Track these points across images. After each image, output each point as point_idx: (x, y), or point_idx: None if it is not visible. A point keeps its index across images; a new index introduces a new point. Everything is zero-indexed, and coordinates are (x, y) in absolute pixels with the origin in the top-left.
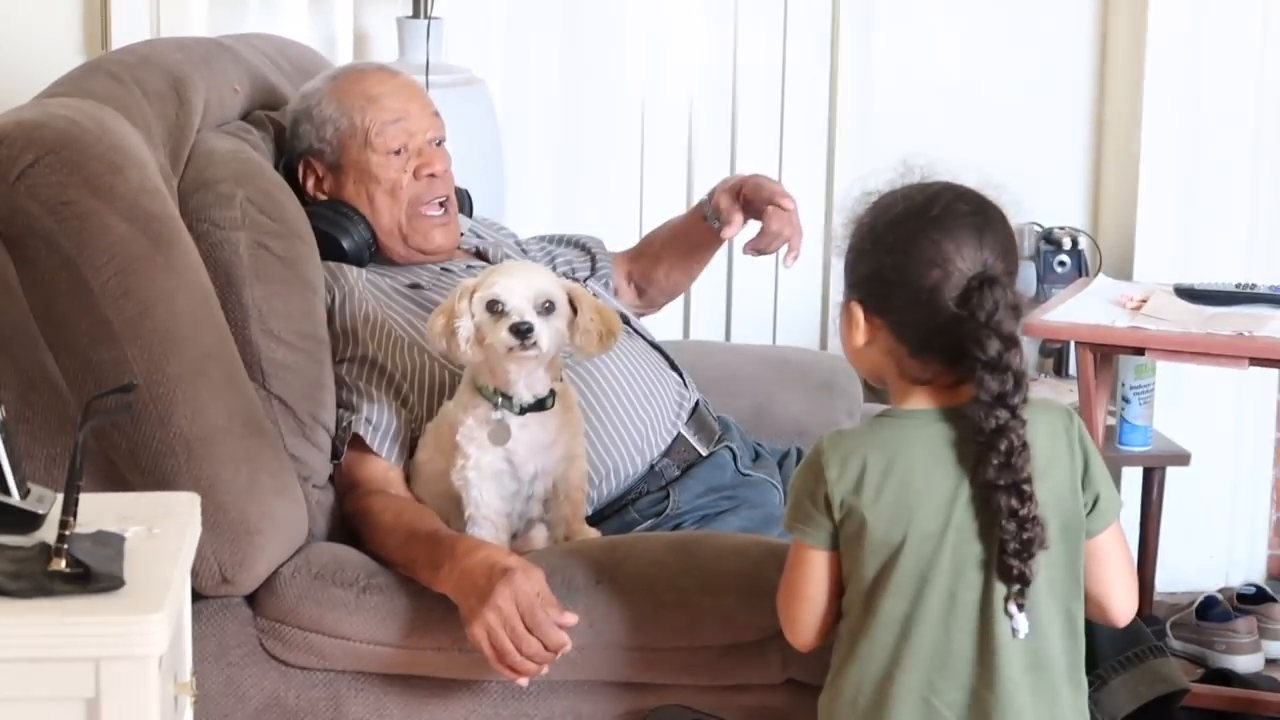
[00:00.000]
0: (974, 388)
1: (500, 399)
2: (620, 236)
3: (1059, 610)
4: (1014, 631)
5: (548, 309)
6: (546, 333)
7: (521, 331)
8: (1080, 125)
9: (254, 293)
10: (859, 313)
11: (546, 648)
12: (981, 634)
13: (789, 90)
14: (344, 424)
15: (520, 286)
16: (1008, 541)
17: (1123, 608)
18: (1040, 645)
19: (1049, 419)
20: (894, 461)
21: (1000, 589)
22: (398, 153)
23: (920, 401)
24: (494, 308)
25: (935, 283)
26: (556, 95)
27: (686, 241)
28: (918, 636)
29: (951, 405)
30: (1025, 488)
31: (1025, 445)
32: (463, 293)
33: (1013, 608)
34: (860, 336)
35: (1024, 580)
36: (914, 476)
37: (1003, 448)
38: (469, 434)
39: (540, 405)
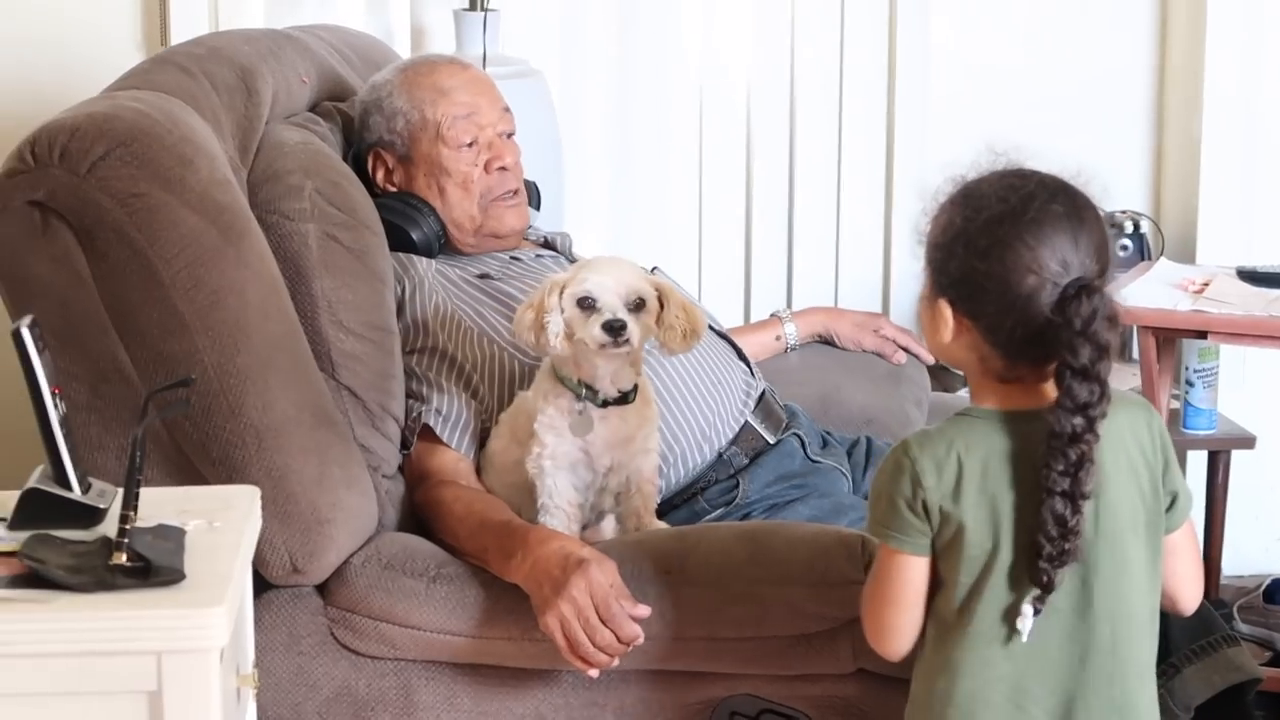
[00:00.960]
0: (1059, 393)
1: (584, 390)
2: (678, 228)
3: (1144, 609)
4: (1020, 633)
5: (638, 305)
6: (637, 330)
7: (615, 329)
8: (1141, 109)
9: (323, 284)
10: (947, 311)
11: (619, 639)
12: (1065, 637)
13: (846, 80)
14: (414, 415)
15: (612, 283)
16: (1044, 546)
17: (1191, 599)
18: (1116, 646)
19: (1132, 416)
20: (987, 466)
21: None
22: (469, 146)
23: (1003, 401)
24: (585, 304)
25: (1031, 290)
26: (613, 86)
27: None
28: (1015, 644)
29: (1035, 408)
30: (1080, 501)
31: (1093, 460)
32: (553, 287)
33: (1027, 608)
34: (947, 334)
35: (1050, 587)
36: (1005, 481)
37: (1073, 455)
38: (549, 422)
39: (623, 399)
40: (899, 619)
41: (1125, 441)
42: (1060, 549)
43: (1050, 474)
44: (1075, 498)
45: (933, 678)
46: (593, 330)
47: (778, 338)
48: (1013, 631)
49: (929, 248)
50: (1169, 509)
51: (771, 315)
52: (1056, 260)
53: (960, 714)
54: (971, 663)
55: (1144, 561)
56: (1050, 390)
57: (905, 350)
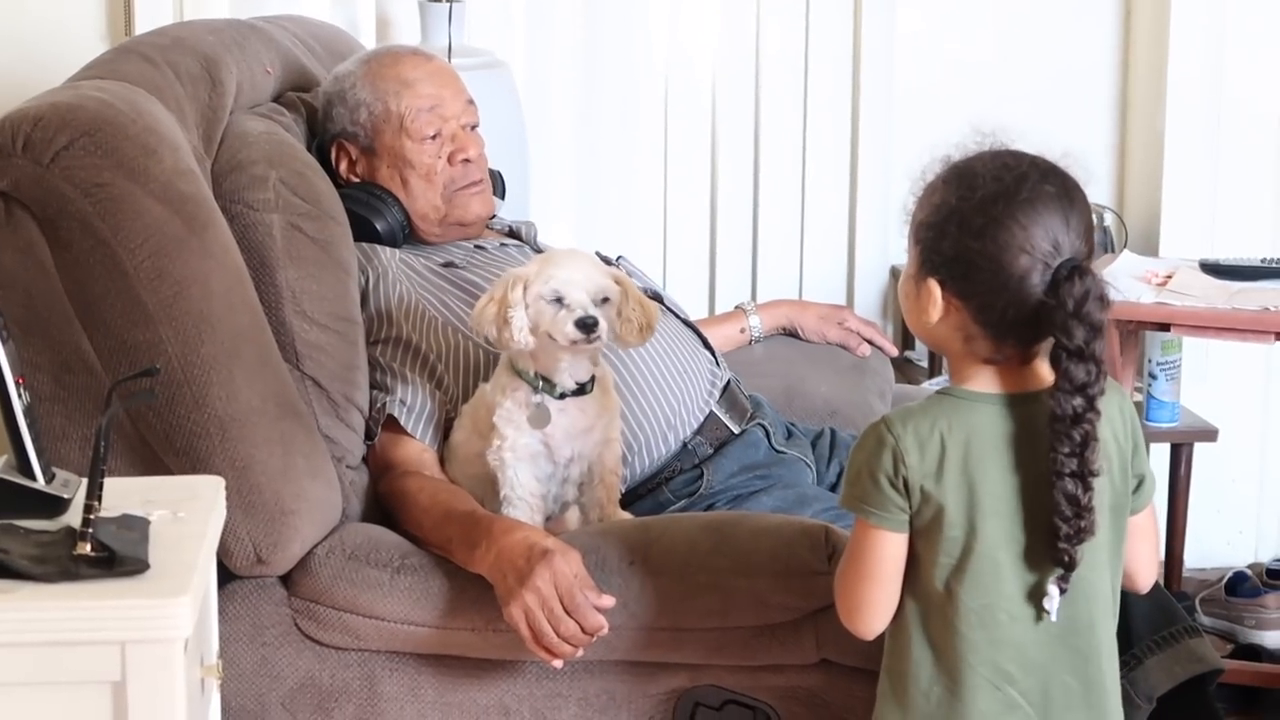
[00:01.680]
0: (1057, 375)
1: (541, 383)
2: (645, 219)
3: (1109, 588)
4: (1048, 613)
5: (604, 300)
6: (605, 325)
7: (588, 325)
8: (1105, 102)
9: (287, 274)
10: (936, 291)
11: (583, 629)
12: (1040, 620)
13: (812, 71)
14: (378, 405)
15: (581, 279)
16: (1061, 527)
17: (1148, 578)
18: (1094, 624)
19: (1105, 400)
20: (968, 447)
21: (1049, 572)
22: (432, 138)
23: (986, 383)
24: (555, 299)
25: (1023, 270)
26: (579, 77)
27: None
28: (995, 626)
29: (1018, 391)
30: (1089, 478)
31: (1097, 438)
32: (515, 282)
33: (1053, 588)
34: (935, 314)
35: (1073, 566)
36: (985, 463)
37: (1077, 436)
38: (507, 416)
39: (580, 390)
40: (875, 594)
41: (1103, 429)
42: (1077, 527)
43: (1057, 456)
44: (1084, 476)
45: (910, 655)
46: (564, 327)
47: (742, 330)
48: (1035, 613)
49: (918, 226)
50: (1135, 490)
51: (736, 308)
52: (1049, 241)
53: (940, 692)
54: (952, 643)
55: (1110, 543)
56: (1033, 373)
57: (869, 342)
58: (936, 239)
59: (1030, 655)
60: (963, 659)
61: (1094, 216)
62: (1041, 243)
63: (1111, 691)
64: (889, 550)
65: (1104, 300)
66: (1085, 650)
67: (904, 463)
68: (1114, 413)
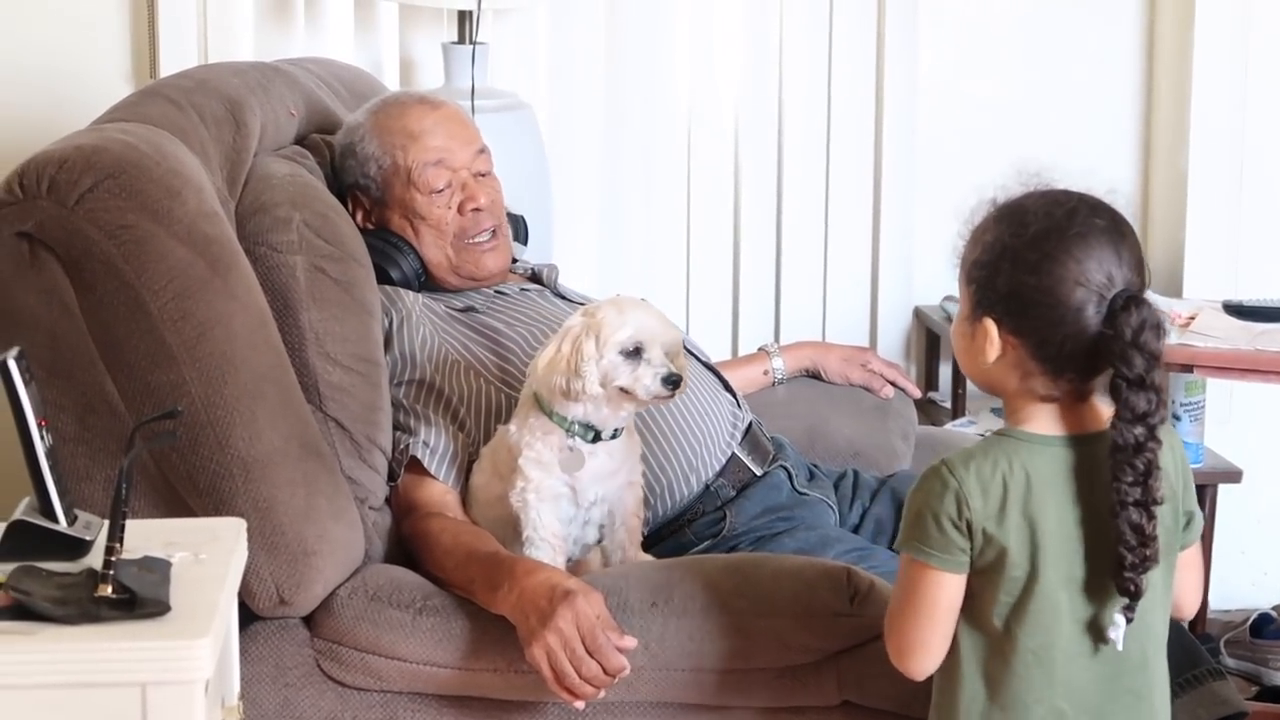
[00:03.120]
0: (1118, 405)
1: (578, 428)
2: (668, 260)
3: (1161, 625)
4: (1113, 641)
5: (671, 355)
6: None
7: (675, 382)
8: (1128, 142)
9: (311, 316)
10: (993, 329)
11: (605, 671)
12: (1097, 654)
13: (834, 111)
14: (401, 447)
15: (660, 331)
16: (1127, 556)
17: (1193, 606)
18: (1147, 662)
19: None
20: (1030, 486)
21: (1105, 607)
22: (441, 191)
23: (1045, 423)
24: (632, 352)
25: (1080, 303)
26: (602, 119)
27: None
28: (1053, 667)
29: (1078, 432)
30: (1153, 506)
31: (1159, 466)
32: (586, 331)
33: (1119, 618)
34: (992, 353)
35: (1139, 594)
36: (1046, 503)
37: (1140, 465)
38: (536, 458)
39: (612, 434)
40: (932, 635)
41: (1165, 464)
42: (1142, 555)
43: (1121, 486)
44: (1148, 504)
45: (963, 693)
46: (647, 382)
47: (765, 372)
48: (1093, 645)
49: (970, 266)
50: (1185, 527)
51: (760, 349)
52: (1103, 273)
53: None
54: (1008, 682)
55: (1162, 580)
56: (1090, 411)
57: (893, 384)
58: (990, 277)
59: (1085, 693)
60: (1018, 699)
61: None
62: (1095, 275)
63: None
64: (948, 592)
65: (1160, 329)
66: (1138, 689)
67: (968, 505)
68: (1166, 450)
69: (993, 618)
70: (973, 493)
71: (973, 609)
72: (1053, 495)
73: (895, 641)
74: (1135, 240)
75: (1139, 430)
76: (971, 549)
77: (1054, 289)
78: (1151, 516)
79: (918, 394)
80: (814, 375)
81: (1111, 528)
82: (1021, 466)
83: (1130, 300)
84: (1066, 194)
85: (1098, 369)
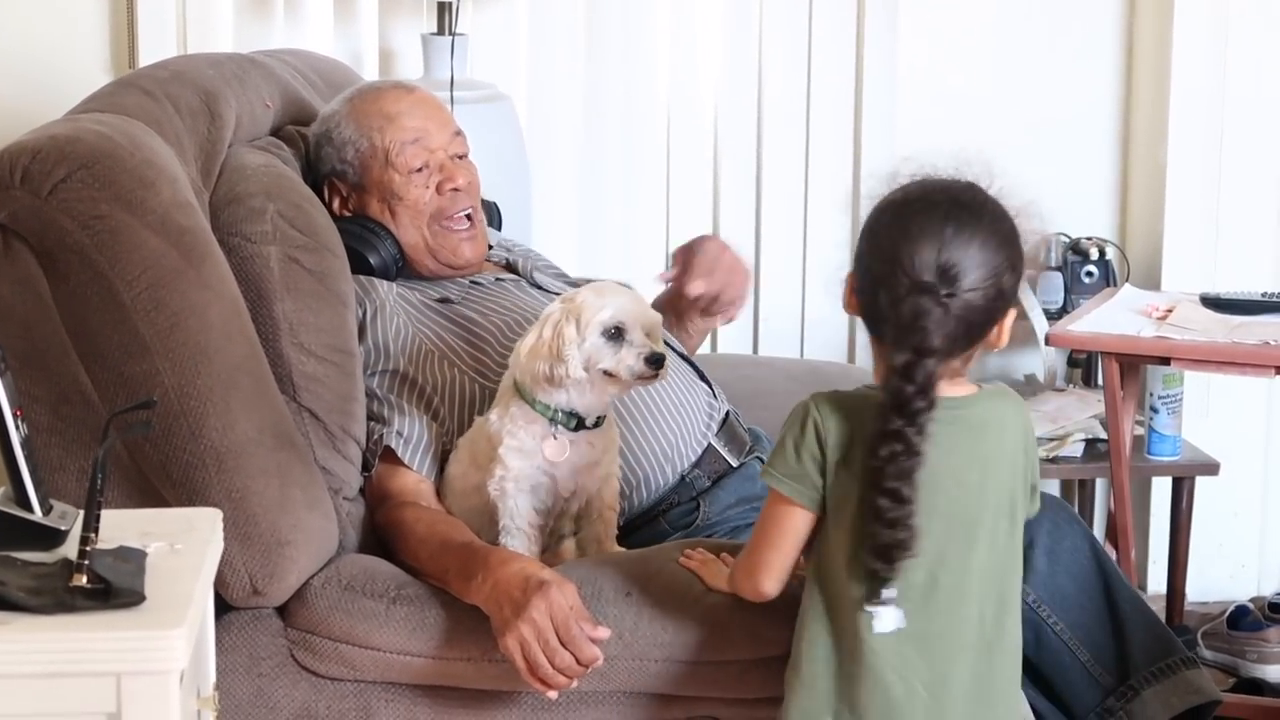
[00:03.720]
0: (882, 388)
1: (560, 415)
2: (647, 251)
3: (1014, 586)
4: (873, 626)
5: (651, 336)
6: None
7: (658, 361)
8: (1107, 136)
9: (285, 306)
10: (849, 283)
11: (579, 661)
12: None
13: (814, 101)
14: (375, 437)
15: (639, 312)
16: (866, 538)
17: None
18: (1004, 619)
19: (1015, 408)
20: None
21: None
22: (419, 170)
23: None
24: (613, 334)
25: (880, 276)
26: (581, 110)
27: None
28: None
29: None
30: (904, 491)
31: (916, 455)
32: (566, 316)
33: (871, 606)
34: (846, 305)
35: (881, 580)
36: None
37: (884, 453)
38: (518, 446)
39: (595, 422)
40: (775, 559)
41: (1007, 431)
42: (877, 541)
43: (868, 467)
44: (891, 493)
45: (816, 637)
46: (630, 362)
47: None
48: (869, 623)
49: None
50: (1030, 497)
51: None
52: (912, 258)
53: (845, 679)
54: (852, 628)
55: (1002, 549)
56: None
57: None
58: (861, 236)
59: (925, 650)
60: (861, 645)
61: (1096, 250)
62: (902, 256)
63: (999, 701)
64: (794, 521)
65: (941, 327)
66: (981, 646)
67: (823, 440)
68: (1020, 420)
69: (840, 561)
70: (829, 430)
71: (827, 545)
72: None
73: (744, 561)
74: (987, 245)
75: (894, 420)
76: (824, 485)
77: (870, 255)
78: (898, 502)
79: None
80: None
81: (864, 504)
82: (864, 420)
83: (915, 289)
84: (940, 182)
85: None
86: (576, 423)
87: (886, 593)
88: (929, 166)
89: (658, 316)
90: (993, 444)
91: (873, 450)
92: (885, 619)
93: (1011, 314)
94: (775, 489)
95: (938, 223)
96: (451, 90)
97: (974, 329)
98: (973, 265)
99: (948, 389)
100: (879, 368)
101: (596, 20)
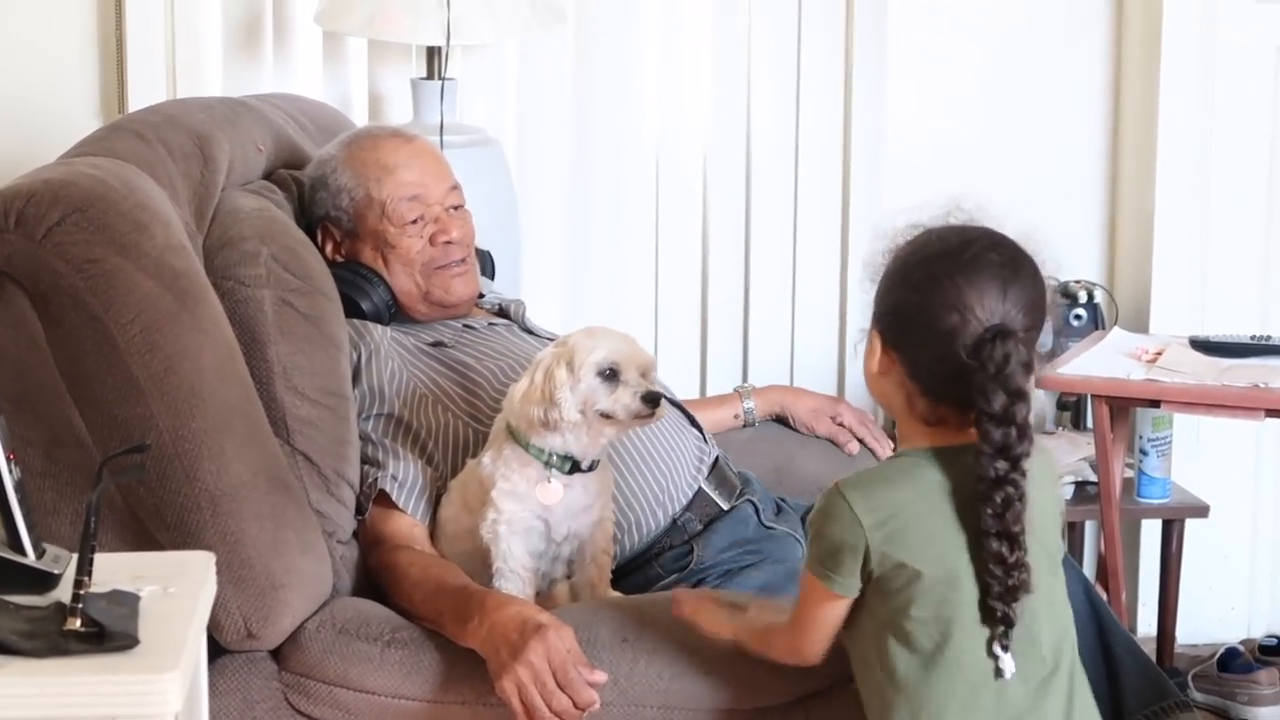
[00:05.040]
0: (979, 437)
1: (555, 459)
2: (636, 297)
3: (1060, 632)
4: (999, 673)
5: (645, 375)
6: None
7: (655, 400)
8: (1095, 180)
9: (279, 349)
10: (877, 342)
11: (575, 705)
12: (999, 678)
13: (802, 147)
14: (369, 480)
15: (631, 351)
16: (992, 585)
17: None
18: (1074, 660)
19: (1043, 441)
20: (926, 501)
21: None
22: (414, 222)
23: (930, 441)
24: (608, 374)
25: (951, 327)
26: (570, 155)
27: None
28: (989, 678)
29: (961, 444)
30: (1019, 537)
31: (1023, 496)
32: (558, 360)
33: (998, 649)
34: (874, 364)
35: (1009, 622)
36: (946, 515)
37: (999, 499)
38: (510, 489)
39: (589, 465)
40: (815, 645)
41: (1049, 465)
42: (1008, 585)
43: (984, 516)
44: (1010, 535)
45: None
46: (627, 401)
47: (736, 416)
48: (994, 669)
49: (877, 280)
50: None
51: (734, 390)
52: (981, 305)
53: None
54: (953, 698)
55: (1055, 594)
56: (967, 433)
57: (861, 442)
58: (884, 291)
59: (1013, 704)
60: (966, 713)
61: (1085, 293)
62: (973, 304)
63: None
64: (835, 610)
65: (1028, 367)
66: (1062, 694)
67: (860, 525)
68: (1048, 468)
69: (920, 635)
70: (862, 513)
71: (881, 629)
72: (955, 504)
73: (786, 642)
74: (1033, 283)
75: (1000, 464)
76: (866, 570)
77: (928, 309)
78: (1015, 545)
79: (885, 452)
80: (782, 420)
81: (980, 554)
82: (915, 481)
83: (999, 334)
84: (974, 228)
85: (972, 399)
86: (571, 466)
87: (1005, 638)
88: (934, 217)
89: (650, 356)
90: (1050, 476)
91: (983, 501)
92: (1007, 663)
93: None
94: (820, 583)
95: (997, 266)
96: (441, 135)
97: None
98: (1033, 304)
99: None
100: (913, 426)
101: (585, 65)
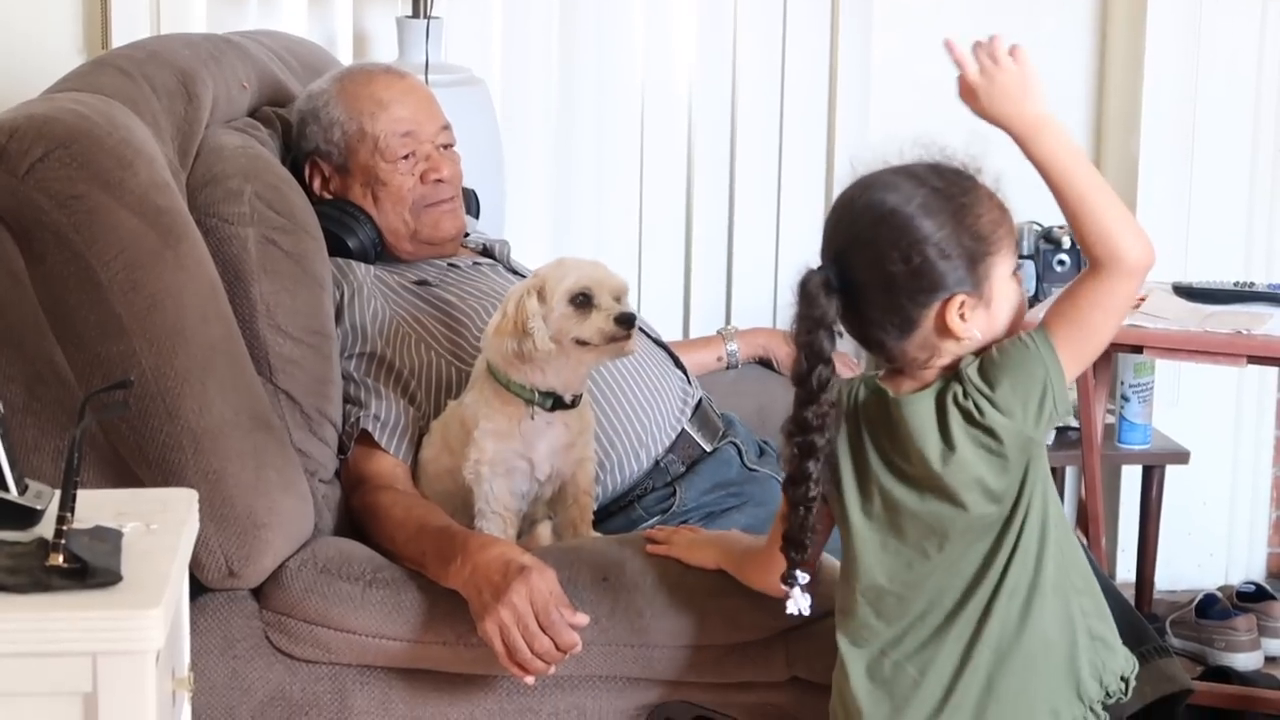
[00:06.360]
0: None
1: (537, 396)
2: (620, 237)
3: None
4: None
5: (618, 299)
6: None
7: (629, 321)
8: (1080, 125)
9: (262, 288)
10: (960, 308)
11: (558, 647)
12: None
13: (788, 87)
14: (351, 420)
15: (604, 276)
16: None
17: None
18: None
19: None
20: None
21: None
22: (405, 159)
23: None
24: (580, 301)
25: (1002, 238)
26: (555, 94)
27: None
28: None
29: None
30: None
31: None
32: (530, 290)
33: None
34: (983, 317)
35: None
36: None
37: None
38: (493, 429)
39: (572, 403)
40: None
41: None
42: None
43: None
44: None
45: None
46: (600, 324)
47: (719, 358)
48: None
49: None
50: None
51: (718, 332)
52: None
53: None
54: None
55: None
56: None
57: None
58: (938, 258)
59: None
60: None
61: (1068, 238)
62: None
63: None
64: None
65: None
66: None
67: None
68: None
69: None
70: None
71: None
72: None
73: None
74: (847, 220)
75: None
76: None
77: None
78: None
79: None
80: (765, 362)
81: None
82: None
83: (805, 277)
84: (895, 172)
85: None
86: (554, 402)
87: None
88: (934, 149)
89: (623, 280)
90: None
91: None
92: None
93: None
94: None
95: (844, 206)
96: (426, 74)
97: None
98: (876, 253)
99: None
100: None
101: (570, 4)
